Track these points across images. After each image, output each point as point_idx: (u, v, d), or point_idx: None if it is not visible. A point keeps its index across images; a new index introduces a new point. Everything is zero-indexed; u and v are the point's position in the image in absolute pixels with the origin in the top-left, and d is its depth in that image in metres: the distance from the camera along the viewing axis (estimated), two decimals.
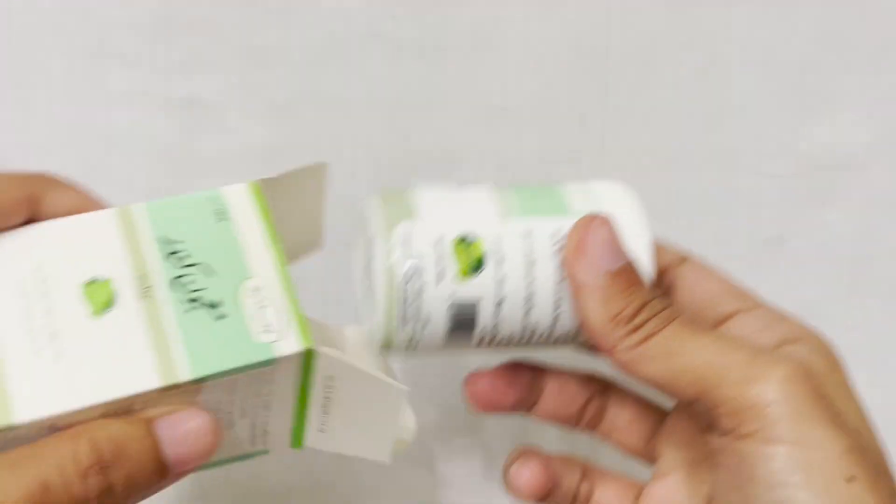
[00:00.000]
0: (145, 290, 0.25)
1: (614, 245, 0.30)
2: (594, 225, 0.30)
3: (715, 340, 0.29)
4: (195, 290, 0.26)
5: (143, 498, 0.25)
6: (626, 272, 0.29)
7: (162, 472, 0.25)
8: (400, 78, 0.42)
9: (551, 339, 0.31)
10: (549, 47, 0.42)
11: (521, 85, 0.42)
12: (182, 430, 0.25)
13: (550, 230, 0.30)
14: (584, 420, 0.35)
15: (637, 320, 0.29)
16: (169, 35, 0.41)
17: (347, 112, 0.42)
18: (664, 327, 0.29)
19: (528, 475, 0.33)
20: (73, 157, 0.41)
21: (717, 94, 0.43)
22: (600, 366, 0.34)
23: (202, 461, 0.25)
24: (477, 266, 0.29)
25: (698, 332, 0.29)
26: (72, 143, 0.41)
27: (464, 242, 0.29)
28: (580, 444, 0.38)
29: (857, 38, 0.43)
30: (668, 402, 0.35)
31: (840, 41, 0.43)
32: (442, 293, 0.29)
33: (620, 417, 0.35)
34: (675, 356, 0.28)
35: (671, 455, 0.34)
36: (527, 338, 0.31)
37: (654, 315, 0.29)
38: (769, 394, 0.27)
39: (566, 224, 0.30)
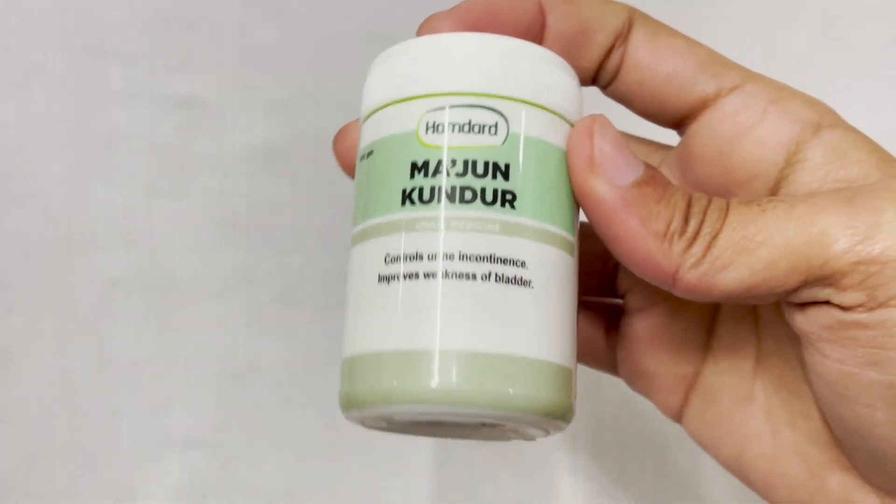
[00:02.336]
0: None
1: (626, 145, 0.23)
2: (597, 127, 0.23)
3: (791, 205, 0.22)
4: None
5: None
6: (654, 173, 0.23)
7: None
8: None
9: None
10: None
11: None
12: None
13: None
14: None
15: (691, 227, 0.22)
16: (168, 34, 0.41)
17: (346, 112, 0.42)
18: (725, 219, 0.22)
19: None
20: (71, 156, 0.41)
21: None
22: None
23: None
24: None
25: (765, 204, 0.22)
26: (71, 142, 0.41)
27: None
28: None
29: (858, 37, 0.43)
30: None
31: (840, 41, 0.43)
32: None
33: None
34: (756, 248, 0.22)
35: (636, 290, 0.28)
36: None
37: (706, 210, 0.23)
38: None
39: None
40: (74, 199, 0.42)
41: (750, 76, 0.25)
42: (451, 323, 0.21)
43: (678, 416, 0.29)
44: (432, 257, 0.22)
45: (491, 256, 0.22)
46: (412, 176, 0.22)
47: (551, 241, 0.23)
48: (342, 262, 0.43)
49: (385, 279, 0.22)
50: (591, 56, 0.26)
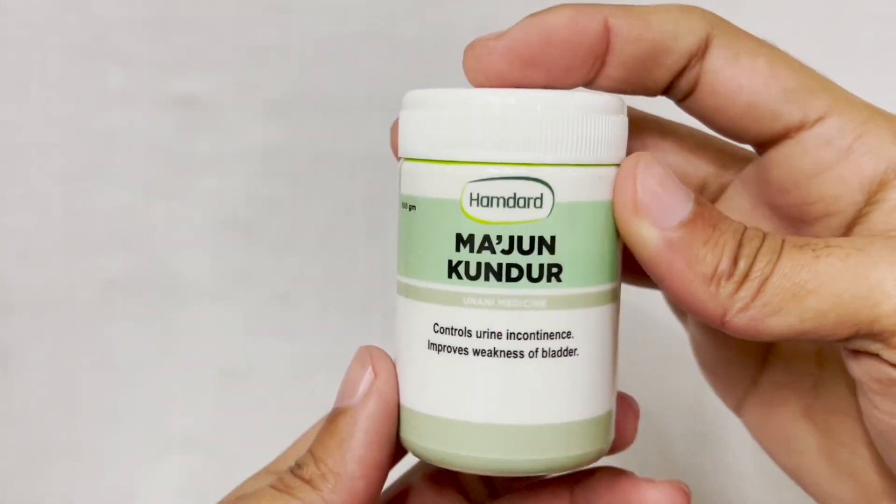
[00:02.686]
0: None
1: (674, 182, 0.22)
2: (641, 168, 0.22)
3: (847, 254, 0.21)
4: None
5: None
6: (702, 211, 0.22)
7: None
8: (399, 77, 0.42)
9: None
10: None
11: None
12: None
13: None
14: None
15: (740, 269, 0.22)
16: (167, 34, 0.41)
17: (346, 111, 0.42)
18: (777, 263, 0.22)
19: None
20: (71, 156, 0.41)
21: None
22: None
23: None
24: None
25: (819, 250, 0.22)
26: (70, 141, 0.41)
27: None
28: None
29: (858, 37, 0.42)
30: None
31: (840, 40, 0.42)
32: None
33: None
34: (806, 296, 0.21)
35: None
36: None
37: (757, 252, 0.22)
38: None
39: None
40: (74, 199, 0.42)
41: (836, 103, 0.24)
42: (499, 399, 0.22)
43: (736, 412, 0.29)
44: (481, 335, 0.22)
45: (538, 333, 0.22)
46: (458, 248, 0.22)
47: (597, 302, 0.23)
48: (342, 262, 0.43)
49: (435, 347, 0.23)
50: (659, 79, 0.24)
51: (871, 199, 0.23)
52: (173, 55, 0.41)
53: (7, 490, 0.42)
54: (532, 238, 0.22)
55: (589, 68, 0.24)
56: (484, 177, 0.22)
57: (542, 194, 0.22)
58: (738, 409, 0.29)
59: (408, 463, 0.30)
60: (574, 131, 0.22)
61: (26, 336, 0.42)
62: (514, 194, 0.22)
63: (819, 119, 0.23)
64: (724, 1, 0.43)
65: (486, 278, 0.22)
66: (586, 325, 0.23)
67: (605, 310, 0.23)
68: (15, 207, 0.41)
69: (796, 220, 0.25)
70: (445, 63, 0.42)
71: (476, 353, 0.22)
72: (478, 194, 0.22)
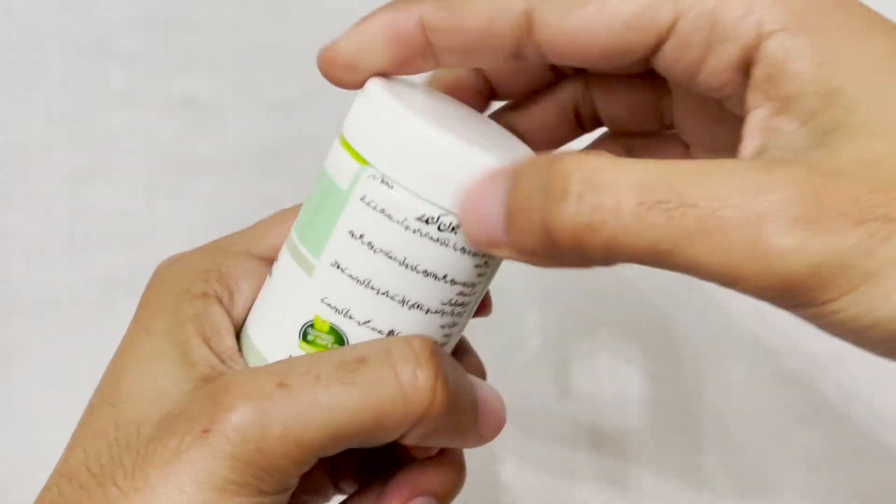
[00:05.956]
0: None
1: (524, 210, 0.21)
2: (484, 196, 0.22)
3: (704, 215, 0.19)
4: None
5: None
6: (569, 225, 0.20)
7: None
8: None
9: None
10: None
11: None
12: None
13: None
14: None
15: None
16: (168, 35, 0.41)
17: (346, 111, 0.42)
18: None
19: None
20: (72, 156, 0.41)
21: None
22: None
23: None
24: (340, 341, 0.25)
25: (673, 210, 0.20)
26: (71, 142, 0.41)
27: (306, 341, 0.25)
28: None
29: None
30: None
31: None
32: None
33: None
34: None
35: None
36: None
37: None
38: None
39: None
40: (74, 199, 0.42)
41: (682, 2, 0.22)
42: None
43: None
44: None
45: None
46: None
47: None
48: None
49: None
50: (498, 61, 0.25)
51: (749, 79, 0.22)
52: (175, 56, 0.41)
53: (8, 490, 0.42)
54: None
55: (418, 60, 0.25)
56: None
57: None
58: None
59: None
60: None
61: (28, 336, 0.42)
62: None
63: (670, 28, 0.22)
64: None
65: None
66: None
67: None
68: (17, 207, 0.41)
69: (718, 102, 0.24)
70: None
71: None
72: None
